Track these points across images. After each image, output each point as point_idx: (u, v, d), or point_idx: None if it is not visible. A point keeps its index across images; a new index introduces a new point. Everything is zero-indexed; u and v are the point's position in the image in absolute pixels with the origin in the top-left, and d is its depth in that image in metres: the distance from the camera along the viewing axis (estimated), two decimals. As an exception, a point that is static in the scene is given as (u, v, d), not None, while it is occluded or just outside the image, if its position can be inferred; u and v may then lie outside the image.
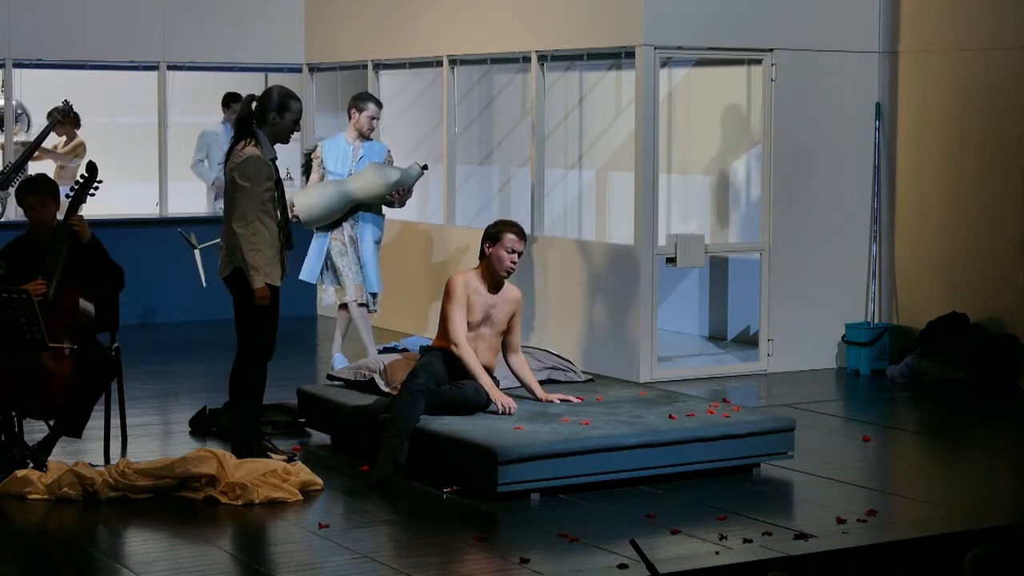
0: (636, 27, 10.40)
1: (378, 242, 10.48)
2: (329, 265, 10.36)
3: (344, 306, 10.43)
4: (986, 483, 7.96)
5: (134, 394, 9.40)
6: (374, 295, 10.42)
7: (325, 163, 10.37)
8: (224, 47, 13.68)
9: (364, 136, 10.47)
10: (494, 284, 8.11)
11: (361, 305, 10.36)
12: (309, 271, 10.44)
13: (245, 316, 7.87)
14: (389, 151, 10.59)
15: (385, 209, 10.49)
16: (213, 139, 13.63)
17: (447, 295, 8.07)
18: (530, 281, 11.19)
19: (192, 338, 12.61)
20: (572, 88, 12.86)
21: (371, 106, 10.45)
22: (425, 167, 10.43)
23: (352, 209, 10.29)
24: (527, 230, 11.45)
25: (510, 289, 8.18)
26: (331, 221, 10.28)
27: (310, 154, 10.55)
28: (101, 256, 8.01)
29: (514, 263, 8.11)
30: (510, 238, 8.08)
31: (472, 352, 7.97)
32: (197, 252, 11.73)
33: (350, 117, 10.48)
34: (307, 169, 10.58)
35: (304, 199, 10.22)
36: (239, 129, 7.87)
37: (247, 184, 7.72)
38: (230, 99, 13.40)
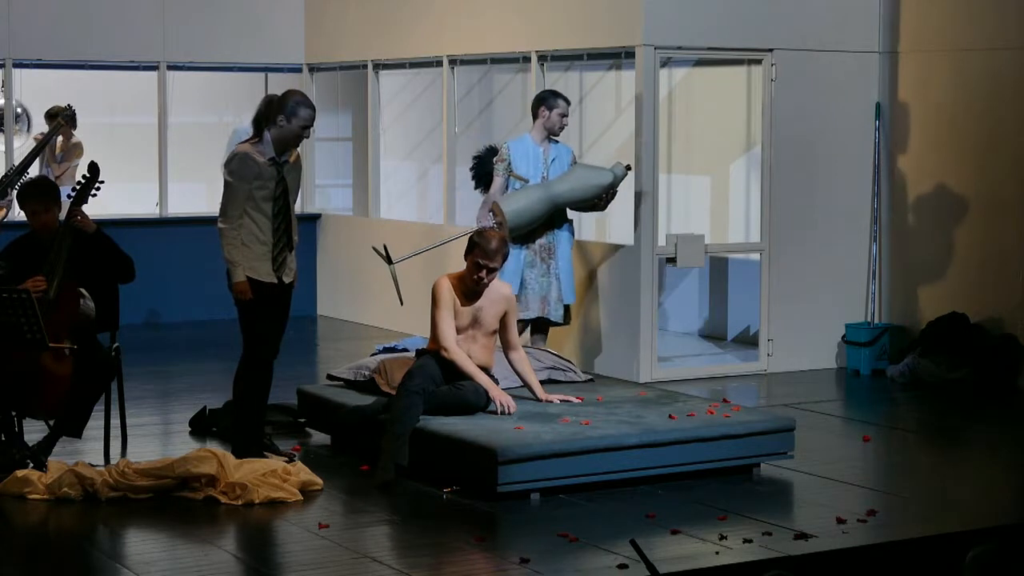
0: (636, 27, 10.40)
1: (571, 249, 10.01)
2: (522, 278, 9.76)
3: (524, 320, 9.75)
4: (986, 483, 7.96)
5: (134, 394, 9.39)
6: (567, 306, 9.89)
7: (514, 167, 9.70)
8: (224, 47, 13.67)
9: (551, 136, 9.84)
10: (469, 291, 7.94)
11: (541, 319, 9.81)
12: None
13: (239, 314, 7.89)
14: (573, 152, 10.10)
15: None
16: (245, 136, 13.59)
17: (433, 300, 7.94)
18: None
19: (193, 338, 12.61)
20: (572, 88, 12.85)
21: (562, 103, 9.79)
22: (629, 167, 9.89)
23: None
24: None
25: (498, 288, 8.00)
26: (533, 228, 9.64)
27: (487, 157, 9.92)
28: (110, 246, 8.01)
29: (480, 279, 7.85)
30: (479, 253, 7.83)
31: (464, 355, 7.88)
32: (393, 268, 10.00)
33: (536, 117, 9.80)
34: (479, 172, 9.95)
35: (511, 205, 9.51)
36: (253, 127, 7.93)
37: (230, 180, 7.79)
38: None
